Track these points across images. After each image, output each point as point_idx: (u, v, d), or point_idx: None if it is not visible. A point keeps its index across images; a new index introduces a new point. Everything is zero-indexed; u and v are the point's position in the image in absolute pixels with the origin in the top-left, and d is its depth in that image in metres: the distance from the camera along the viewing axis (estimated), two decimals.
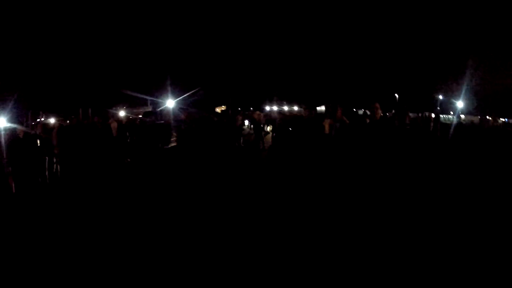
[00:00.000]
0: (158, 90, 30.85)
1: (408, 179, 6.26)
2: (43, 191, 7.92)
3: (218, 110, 31.68)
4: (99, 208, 6.62)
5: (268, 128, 24.07)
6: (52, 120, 17.68)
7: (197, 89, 32.78)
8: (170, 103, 22.45)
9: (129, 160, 11.94)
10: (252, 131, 18.17)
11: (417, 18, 57.11)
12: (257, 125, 15.53)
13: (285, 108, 38.59)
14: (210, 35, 62.68)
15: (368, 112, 7.71)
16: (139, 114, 21.74)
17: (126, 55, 42.85)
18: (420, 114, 24.96)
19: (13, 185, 7.27)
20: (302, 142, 9.01)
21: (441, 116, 25.11)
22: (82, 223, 5.74)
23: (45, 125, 8.88)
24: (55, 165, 8.84)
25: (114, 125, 11.05)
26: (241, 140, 15.87)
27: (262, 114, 17.29)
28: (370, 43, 57.37)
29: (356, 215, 5.34)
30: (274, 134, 14.22)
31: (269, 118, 24.38)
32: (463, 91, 34.98)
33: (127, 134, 12.06)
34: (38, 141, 8.08)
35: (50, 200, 7.46)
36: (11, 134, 7.61)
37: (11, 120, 8.70)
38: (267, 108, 36.44)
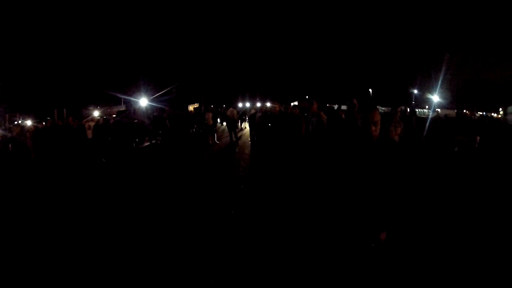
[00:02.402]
0: (132, 89, 30.88)
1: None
2: (18, 194, 7.91)
3: (191, 108, 31.98)
4: (74, 210, 6.57)
5: (244, 125, 24.56)
6: (28, 123, 17.65)
7: (170, 87, 32.93)
8: (143, 101, 22.62)
9: (104, 160, 11.98)
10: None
11: (392, 13, 58.29)
12: (230, 122, 15.96)
13: (258, 104, 39.07)
14: (182, 33, 62.52)
15: (344, 108, 7.99)
16: (113, 114, 21.83)
17: (99, 55, 42.44)
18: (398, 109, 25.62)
19: None
20: (283, 139, 9.13)
21: (416, 110, 25.80)
22: (57, 226, 5.67)
23: (21, 128, 9.00)
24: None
25: (90, 125, 11.32)
26: (215, 137, 16.35)
27: (235, 111, 17.73)
28: (343, 38, 58.35)
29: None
30: (252, 132, 14.53)
31: (243, 115, 25.01)
32: (439, 85, 35.97)
33: (103, 134, 12.24)
34: (10, 146, 8.14)
35: (25, 203, 7.34)
36: None
37: None
38: (240, 104, 37.03)
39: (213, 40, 68.34)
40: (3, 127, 8.69)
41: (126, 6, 59.41)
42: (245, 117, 25.38)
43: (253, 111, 15.71)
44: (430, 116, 15.32)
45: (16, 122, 10.79)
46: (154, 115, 18.73)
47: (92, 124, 11.24)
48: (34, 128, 10.38)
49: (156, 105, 24.11)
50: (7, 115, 8.87)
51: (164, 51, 53.79)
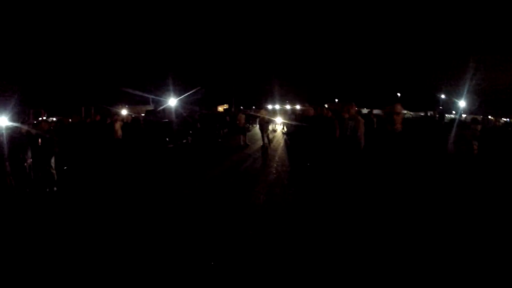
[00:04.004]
0: (160, 88, 30.52)
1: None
2: (43, 190, 7.68)
3: (220, 108, 31.40)
4: (100, 207, 6.53)
5: (276, 127, 23.90)
6: (54, 119, 17.43)
7: (198, 87, 32.40)
8: (172, 101, 22.03)
9: (133, 158, 11.55)
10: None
11: (420, 17, 57.08)
12: (263, 124, 15.23)
13: (288, 106, 38.34)
14: (212, 34, 62.53)
15: (377, 112, 7.51)
16: (142, 113, 21.35)
17: (128, 54, 42.55)
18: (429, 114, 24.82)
19: (13, 183, 7.06)
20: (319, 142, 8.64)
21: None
22: (82, 224, 5.62)
23: (47, 124, 8.45)
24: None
25: (119, 123, 10.66)
26: (246, 139, 15.72)
27: (266, 113, 17.05)
28: (373, 43, 57.47)
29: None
30: (286, 135, 13.99)
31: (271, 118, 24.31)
32: (465, 90, 34.70)
33: (133, 132, 11.69)
34: (40, 140, 7.72)
35: (51, 199, 7.34)
36: (13, 133, 7.30)
37: (13, 119, 8.29)
38: (269, 106, 36.16)
39: (244, 41, 68.03)
40: (27, 123, 8.08)
41: (159, 7, 59.82)
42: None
43: (288, 113, 15.21)
44: (456, 122, 14.99)
45: (40, 118, 10.34)
46: (185, 115, 18.23)
47: (120, 123, 10.54)
48: (60, 124, 9.75)
49: (185, 105, 23.67)
50: (31, 111, 8.45)
51: (193, 51, 53.66)
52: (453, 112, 37.58)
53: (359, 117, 7.29)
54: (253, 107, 34.24)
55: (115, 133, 10.38)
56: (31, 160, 7.45)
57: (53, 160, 7.85)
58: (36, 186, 7.62)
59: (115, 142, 10.48)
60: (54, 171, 7.82)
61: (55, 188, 7.77)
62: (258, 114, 18.46)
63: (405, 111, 41.20)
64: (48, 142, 7.80)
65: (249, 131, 19.24)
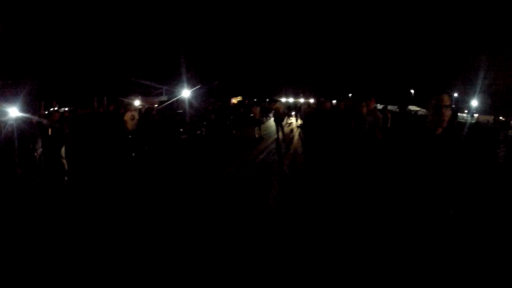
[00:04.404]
0: (174, 80, 30.32)
1: None
2: (54, 180, 7.60)
3: (234, 100, 31.08)
4: (109, 200, 6.34)
5: (291, 120, 23.62)
6: (66, 109, 17.34)
7: (212, 79, 32.13)
8: (186, 93, 21.80)
9: (147, 148, 11.50)
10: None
11: (435, 14, 56.11)
12: (278, 116, 14.92)
13: (302, 100, 37.89)
14: (227, 25, 62.14)
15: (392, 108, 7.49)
16: (155, 104, 21.16)
17: (142, 45, 42.44)
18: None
19: (20, 174, 7.03)
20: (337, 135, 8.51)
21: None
22: (89, 218, 5.44)
23: (58, 114, 8.28)
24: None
25: (134, 115, 10.39)
26: (260, 131, 15.60)
27: (283, 105, 16.78)
28: (388, 38, 56.70)
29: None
30: (301, 128, 13.72)
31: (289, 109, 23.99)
32: (478, 90, 34.61)
33: (146, 123, 11.44)
34: (50, 131, 7.61)
35: (61, 189, 7.30)
36: (23, 124, 7.15)
37: (23, 110, 8.15)
38: (283, 99, 35.71)
39: (257, 33, 67.44)
40: (38, 114, 7.93)
41: None
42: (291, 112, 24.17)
43: (304, 106, 15.00)
44: (468, 123, 14.95)
45: (52, 109, 10.18)
46: (199, 107, 18.05)
47: (135, 114, 10.20)
48: (72, 115, 9.55)
49: (200, 96, 23.49)
50: (42, 102, 8.27)
51: (208, 42, 53.35)
52: (465, 111, 37.42)
53: (378, 113, 7.17)
54: (267, 99, 33.79)
55: (126, 124, 10.04)
56: (41, 150, 7.32)
57: (63, 150, 7.75)
58: (47, 176, 7.51)
59: (127, 133, 10.17)
60: (64, 161, 7.69)
61: (66, 178, 7.68)
62: (273, 106, 18.26)
63: (418, 108, 41.02)
64: (58, 132, 7.68)
65: (263, 123, 18.98)
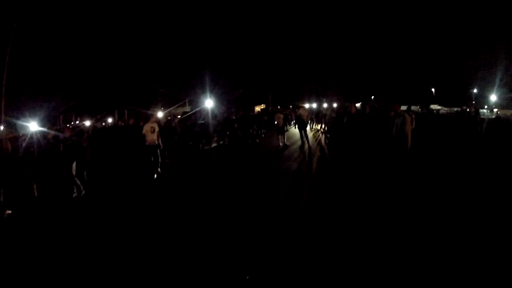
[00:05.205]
0: (197, 89, 30.32)
1: None
2: (66, 195, 7.40)
3: (257, 108, 30.83)
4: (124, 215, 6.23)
5: (315, 126, 23.12)
6: (87, 123, 17.39)
7: (235, 88, 31.96)
8: (209, 102, 21.64)
9: (168, 161, 11.14)
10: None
11: (451, 12, 55.15)
12: (302, 122, 14.44)
13: (325, 105, 37.29)
14: (247, 34, 62.35)
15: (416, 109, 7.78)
16: (178, 115, 21.12)
17: (163, 55, 42.90)
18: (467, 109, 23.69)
19: (35, 188, 6.98)
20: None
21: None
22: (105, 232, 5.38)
23: (69, 131, 8.06)
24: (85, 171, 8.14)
25: (154, 127, 9.64)
26: (285, 139, 15.06)
27: (307, 112, 16.35)
28: (407, 39, 55.93)
29: None
30: (325, 133, 13.41)
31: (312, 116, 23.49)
32: (497, 85, 34.52)
33: (167, 135, 11.14)
34: (61, 146, 7.40)
35: (74, 206, 7.08)
36: (38, 138, 7.01)
37: (41, 124, 8.03)
38: (306, 105, 35.20)
39: (279, 41, 67.44)
40: (55, 128, 7.78)
41: (194, 8, 60.34)
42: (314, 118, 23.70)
43: (329, 112, 14.62)
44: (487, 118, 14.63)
45: (73, 123, 10.10)
46: (222, 116, 17.82)
47: (155, 125, 9.60)
48: (92, 129, 9.36)
49: (222, 106, 23.33)
50: (61, 116, 8.17)
51: (230, 51, 53.57)
52: (485, 106, 37.09)
53: (406, 115, 7.26)
54: (290, 106, 33.35)
55: (146, 137, 9.34)
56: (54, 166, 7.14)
57: (74, 166, 7.45)
58: (60, 192, 7.37)
59: (146, 147, 9.51)
60: (76, 178, 7.44)
61: (74, 194, 7.40)
62: (296, 113, 17.85)
63: (439, 107, 39.95)
64: (69, 148, 7.44)
65: (287, 130, 18.54)
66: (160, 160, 9.64)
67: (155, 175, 9.37)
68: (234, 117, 17.86)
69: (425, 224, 4.75)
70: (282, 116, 15.69)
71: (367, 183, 7.21)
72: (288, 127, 23.56)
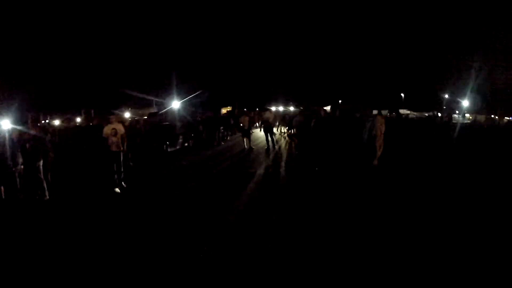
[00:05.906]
0: (163, 91, 30.27)
1: None
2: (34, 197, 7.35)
3: (224, 111, 31.10)
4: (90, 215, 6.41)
5: (281, 129, 23.53)
6: (56, 122, 17.15)
7: (202, 90, 32.12)
8: (175, 104, 21.82)
9: (131, 163, 10.99)
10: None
11: (420, 17, 56.84)
12: (268, 126, 14.86)
13: (291, 108, 37.97)
14: (214, 36, 62.35)
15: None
16: (145, 115, 21.19)
17: (131, 56, 42.42)
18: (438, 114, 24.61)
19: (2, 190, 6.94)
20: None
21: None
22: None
23: (37, 128, 7.99)
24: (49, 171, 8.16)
25: (114, 127, 8.42)
26: (250, 142, 15.34)
27: (273, 115, 16.79)
28: (375, 43, 57.18)
29: None
30: (290, 137, 13.65)
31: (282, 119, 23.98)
32: (469, 90, 34.75)
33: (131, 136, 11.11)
34: (28, 145, 7.34)
35: (40, 207, 7.11)
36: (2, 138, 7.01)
37: (11, 122, 7.94)
38: (273, 108, 35.78)
39: (247, 43, 67.79)
40: (24, 126, 7.72)
41: (160, 9, 59.76)
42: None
43: (296, 115, 15.06)
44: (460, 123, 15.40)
45: (43, 122, 10.03)
46: (187, 118, 18.00)
47: (118, 126, 8.61)
48: (55, 129, 9.41)
49: (189, 107, 23.46)
50: (29, 114, 8.16)
51: (197, 53, 53.47)
52: (457, 112, 37.58)
53: (379, 117, 7.44)
54: (257, 109, 33.84)
55: (108, 140, 8.31)
56: (22, 166, 7.14)
57: (40, 165, 7.43)
58: (27, 192, 7.27)
59: (108, 152, 8.45)
60: (42, 177, 7.43)
61: (46, 197, 7.38)
62: (262, 116, 18.23)
63: (408, 111, 41.26)
64: (35, 147, 7.44)
65: (252, 133, 18.94)
66: (123, 170, 8.58)
67: (117, 189, 8.23)
68: (199, 119, 18.10)
69: (394, 226, 5.03)
70: (248, 118, 15.95)
71: (335, 187, 7.41)
72: (253, 130, 23.97)
